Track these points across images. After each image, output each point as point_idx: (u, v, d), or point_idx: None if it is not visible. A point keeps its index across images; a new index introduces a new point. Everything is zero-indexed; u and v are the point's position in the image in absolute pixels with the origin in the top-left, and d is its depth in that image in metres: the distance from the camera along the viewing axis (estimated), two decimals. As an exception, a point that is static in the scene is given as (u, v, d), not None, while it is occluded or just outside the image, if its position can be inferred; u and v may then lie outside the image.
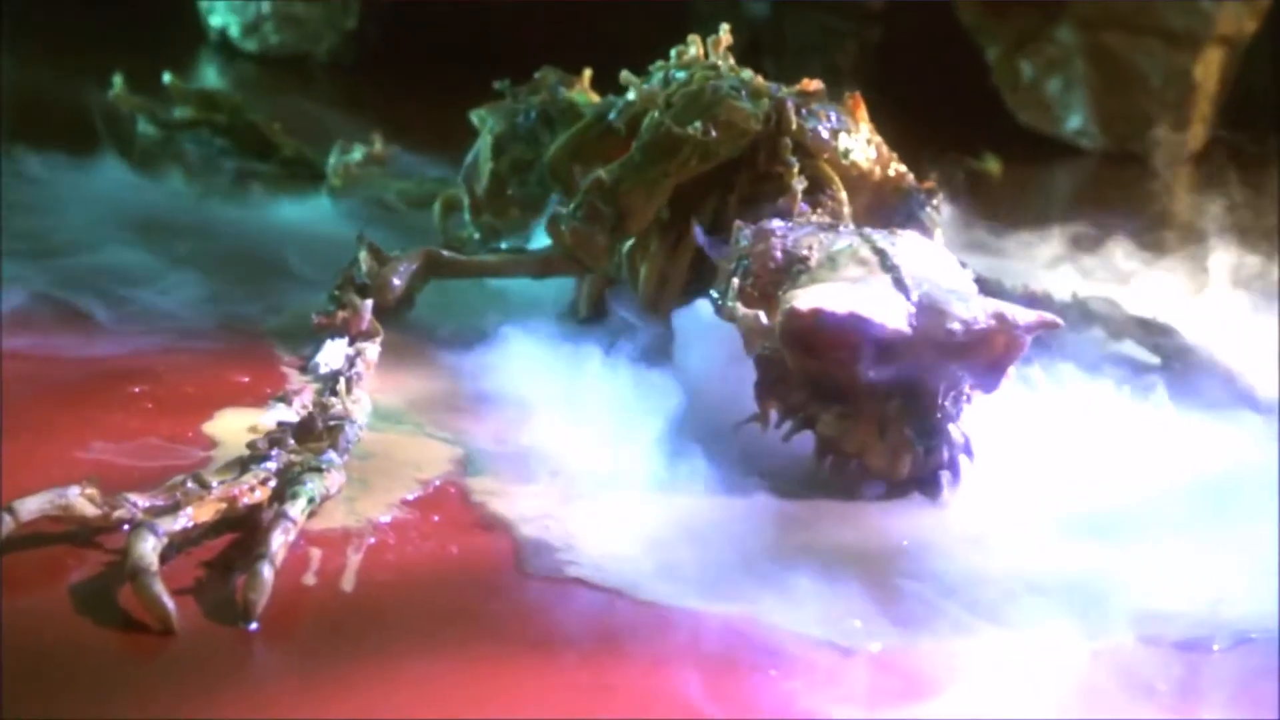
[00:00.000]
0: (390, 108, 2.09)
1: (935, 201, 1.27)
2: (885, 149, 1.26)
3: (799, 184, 1.16)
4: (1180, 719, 0.77)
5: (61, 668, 0.73)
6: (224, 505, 0.85)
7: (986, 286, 1.14)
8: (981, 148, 2.15)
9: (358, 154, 1.62)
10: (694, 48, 1.32)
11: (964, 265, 1.07)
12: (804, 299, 0.96)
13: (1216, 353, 1.25)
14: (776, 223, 1.08)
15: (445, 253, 1.25)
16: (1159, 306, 1.34)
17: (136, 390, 1.07)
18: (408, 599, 0.83)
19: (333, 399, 1.01)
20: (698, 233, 1.15)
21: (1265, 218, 1.80)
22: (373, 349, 1.12)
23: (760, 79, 1.25)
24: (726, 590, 0.85)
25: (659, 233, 1.21)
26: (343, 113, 2.08)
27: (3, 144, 1.65)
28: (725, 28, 1.33)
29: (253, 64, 2.53)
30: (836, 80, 1.27)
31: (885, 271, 1.00)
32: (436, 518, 0.92)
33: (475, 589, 0.84)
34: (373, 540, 0.88)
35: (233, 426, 1.01)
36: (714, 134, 1.19)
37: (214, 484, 0.86)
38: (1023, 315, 0.98)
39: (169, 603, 0.76)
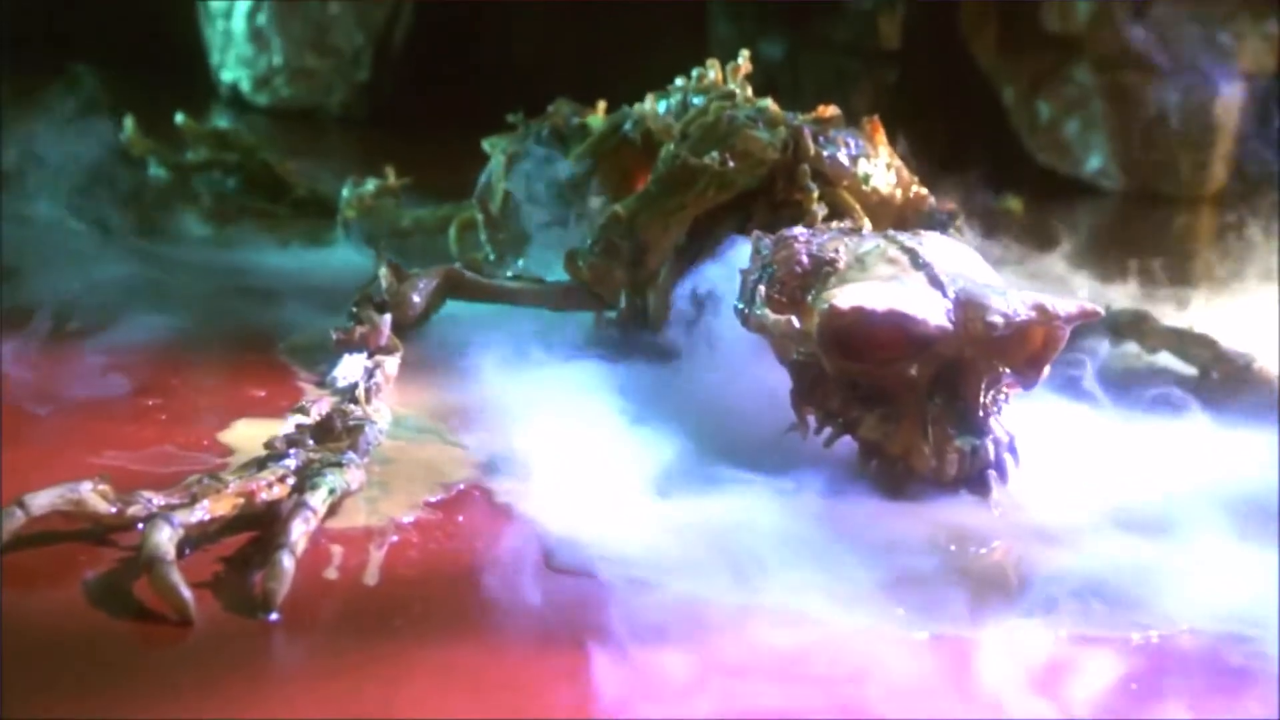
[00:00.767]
0: (403, 158, 2.07)
1: (958, 222, 1.25)
2: (905, 172, 1.24)
3: (819, 209, 1.14)
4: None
5: (78, 660, 0.71)
6: (241, 500, 0.82)
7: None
8: (1001, 189, 2.14)
9: (370, 186, 1.61)
10: (713, 72, 1.31)
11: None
12: (843, 297, 0.93)
13: (1255, 362, 1.22)
14: (798, 230, 1.06)
15: (466, 273, 1.22)
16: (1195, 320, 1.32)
17: (150, 403, 1.05)
18: (431, 593, 0.80)
19: (352, 405, 0.98)
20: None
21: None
22: (392, 363, 1.10)
23: (776, 107, 1.23)
24: (759, 583, 0.82)
25: (671, 262, 1.19)
26: (355, 164, 2.07)
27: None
28: (745, 54, 1.31)
29: (265, 118, 2.52)
30: (853, 123, 1.25)
31: (918, 269, 0.97)
32: (460, 518, 0.89)
33: (502, 584, 0.81)
34: (395, 538, 0.86)
35: (249, 435, 0.99)
36: (731, 164, 1.17)
37: (231, 481, 0.83)
38: (1063, 306, 0.95)
39: (186, 592, 0.73)
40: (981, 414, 0.95)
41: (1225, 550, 0.90)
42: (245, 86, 2.56)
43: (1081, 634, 0.80)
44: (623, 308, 1.21)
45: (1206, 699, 0.75)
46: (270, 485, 0.84)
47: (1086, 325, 1.17)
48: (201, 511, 0.80)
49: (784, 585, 0.81)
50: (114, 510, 0.80)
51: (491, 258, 1.34)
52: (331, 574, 0.81)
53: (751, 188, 1.19)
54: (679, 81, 1.33)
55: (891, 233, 1.03)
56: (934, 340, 0.93)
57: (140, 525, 0.79)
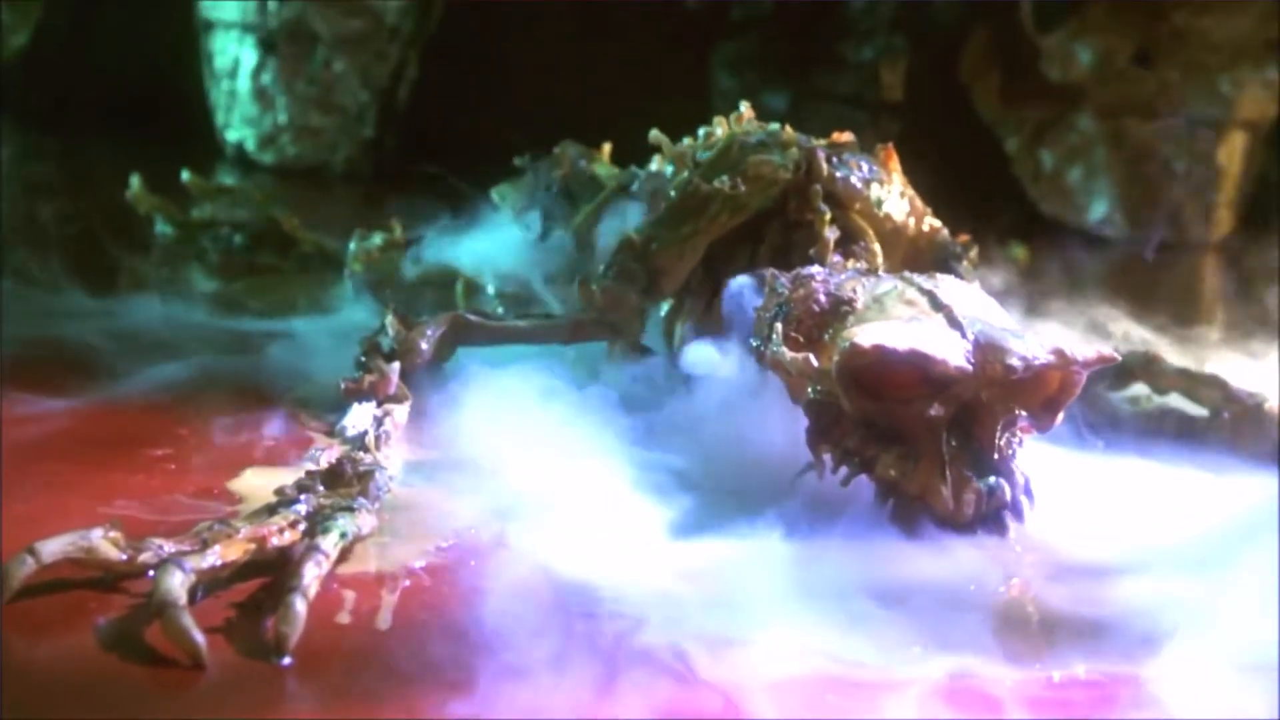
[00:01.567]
0: (408, 214, 2.07)
1: (972, 254, 1.25)
2: (919, 202, 1.24)
3: (831, 233, 1.14)
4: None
5: (90, 706, 0.70)
6: (253, 545, 0.82)
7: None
8: (1006, 239, 2.14)
9: (377, 239, 1.61)
10: (719, 129, 1.31)
11: None
12: (864, 336, 0.93)
13: (1266, 402, 1.21)
14: (815, 269, 1.06)
15: (473, 317, 1.22)
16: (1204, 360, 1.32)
17: (159, 453, 1.05)
18: (445, 637, 0.79)
19: (362, 453, 0.98)
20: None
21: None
22: (401, 411, 1.09)
23: (789, 130, 1.23)
24: (774, 624, 0.81)
25: (694, 292, 1.19)
26: (361, 220, 2.07)
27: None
28: (745, 105, 1.31)
29: (270, 176, 2.53)
30: (866, 149, 1.25)
31: (936, 311, 0.97)
32: (472, 562, 0.89)
33: (515, 627, 0.80)
34: (407, 583, 0.85)
35: (258, 484, 0.98)
36: (743, 187, 1.17)
37: (242, 526, 0.83)
38: (1081, 350, 0.96)
39: (198, 636, 0.73)
40: (997, 456, 0.95)
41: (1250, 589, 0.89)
42: (250, 145, 2.57)
43: (1101, 672, 0.79)
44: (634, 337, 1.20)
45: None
46: (282, 530, 0.84)
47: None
48: (213, 557, 0.80)
49: (799, 626, 0.81)
50: (125, 557, 0.80)
51: (500, 311, 1.34)
52: (344, 619, 0.80)
53: (765, 208, 1.19)
54: (686, 141, 1.33)
55: (908, 275, 1.04)
56: (953, 381, 0.93)
57: (151, 572, 0.79)
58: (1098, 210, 2.38)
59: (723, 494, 0.99)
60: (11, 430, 1.07)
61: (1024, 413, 0.97)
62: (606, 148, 1.43)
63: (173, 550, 0.80)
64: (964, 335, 0.94)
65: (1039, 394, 0.96)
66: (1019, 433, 0.97)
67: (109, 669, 0.73)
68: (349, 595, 0.83)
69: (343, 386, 1.12)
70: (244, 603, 0.80)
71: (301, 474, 0.94)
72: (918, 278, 1.02)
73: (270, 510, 0.86)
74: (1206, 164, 2.34)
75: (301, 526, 0.85)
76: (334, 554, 0.82)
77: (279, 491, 0.89)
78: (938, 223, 1.23)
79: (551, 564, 0.88)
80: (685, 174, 1.22)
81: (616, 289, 1.19)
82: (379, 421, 1.05)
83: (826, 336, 0.98)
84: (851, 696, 0.75)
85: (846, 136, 1.22)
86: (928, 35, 2.49)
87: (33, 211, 2.05)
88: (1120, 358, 0.99)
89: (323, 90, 2.55)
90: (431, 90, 2.62)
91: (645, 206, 1.27)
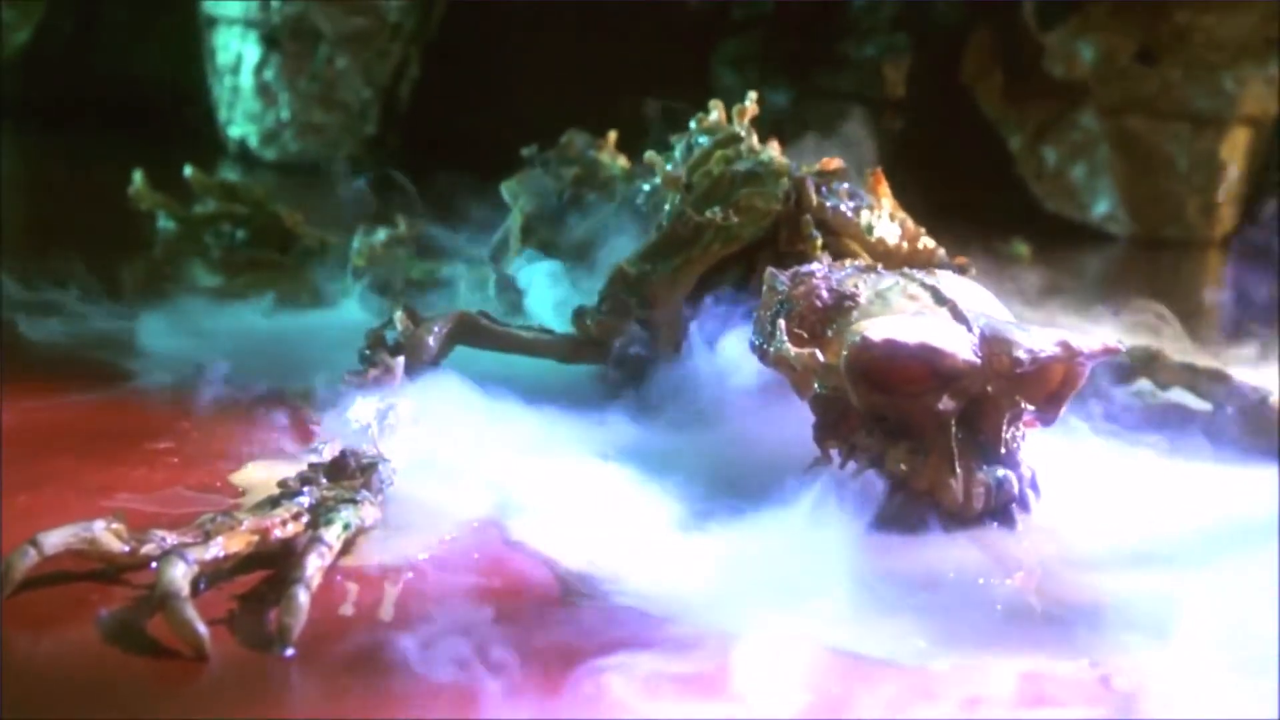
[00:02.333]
0: (410, 209, 2.07)
1: (970, 274, 1.25)
2: (911, 223, 1.23)
3: (824, 258, 1.14)
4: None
5: (93, 698, 0.70)
6: (255, 537, 0.82)
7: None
8: (1008, 235, 2.14)
9: (382, 235, 1.61)
10: (715, 113, 1.30)
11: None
12: (874, 330, 0.93)
13: (1271, 396, 1.21)
14: (815, 265, 1.06)
15: (480, 319, 1.22)
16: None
17: (162, 447, 1.05)
18: (448, 630, 0.79)
19: (365, 445, 0.98)
20: None
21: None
22: (405, 405, 1.09)
23: (780, 158, 1.23)
24: (781, 616, 0.81)
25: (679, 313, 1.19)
26: (362, 216, 2.07)
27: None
28: (752, 96, 1.31)
29: (273, 172, 2.53)
30: (858, 170, 1.25)
31: (940, 305, 0.97)
32: (476, 555, 0.89)
33: (519, 619, 0.80)
34: (410, 575, 0.85)
35: (261, 476, 0.98)
36: (734, 218, 1.17)
37: (245, 518, 0.83)
38: (1086, 343, 0.96)
39: (201, 627, 0.73)
40: (1003, 450, 0.95)
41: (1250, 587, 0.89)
42: (253, 142, 2.57)
43: (1105, 664, 0.79)
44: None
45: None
46: (284, 522, 0.84)
47: (1101, 363, 1.19)
48: (216, 548, 0.79)
49: (807, 618, 0.81)
50: (127, 549, 0.80)
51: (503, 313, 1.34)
52: (347, 610, 0.80)
53: (756, 238, 1.19)
54: (677, 152, 1.32)
55: (908, 270, 1.03)
56: (961, 374, 0.93)
57: (154, 564, 0.79)
58: (1101, 207, 2.38)
59: (728, 489, 0.98)
60: (14, 423, 1.07)
61: (1029, 406, 0.96)
62: (612, 136, 1.43)
63: (175, 542, 0.80)
64: (970, 329, 0.94)
65: (1044, 387, 0.96)
66: (1024, 426, 0.97)
67: (112, 661, 0.73)
68: (352, 587, 0.83)
69: (347, 379, 1.12)
70: (247, 594, 0.80)
71: (304, 466, 0.93)
72: (918, 273, 1.02)
73: (273, 502, 0.86)
74: (1209, 161, 2.34)
75: (304, 519, 0.85)
76: (337, 546, 0.82)
77: (282, 484, 0.89)
78: (933, 243, 1.23)
79: (554, 557, 0.88)
80: (677, 198, 1.21)
81: (610, 321, 1.19)
82: (382, 414, 1.05)
83: (830, 332, 0.98)
84: (856, 688, 0.75)
85: (835, 164, 1.22)
86: (930, 33, 2.50)
87: (34, 207, 2.06)
88: (1124, 349, 0.99)
89: (325, 87, 2.55)
90: (433, 88, 2.62)
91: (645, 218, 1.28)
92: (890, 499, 0.94)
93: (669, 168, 1.26)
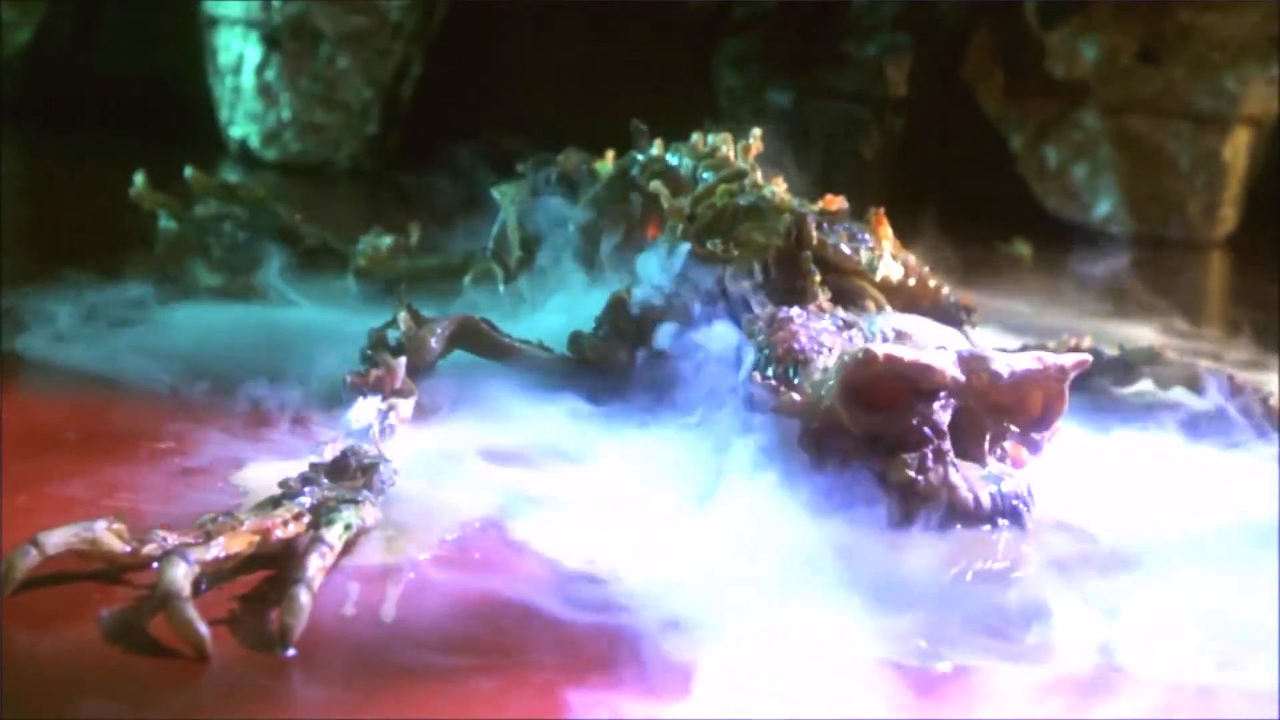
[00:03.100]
0: (411, 209, 2.07)
1: (974, 318, 1.26)
2: (914, 261, 1.24)
3: (824, 293, 1.14)
4: None
5: (94, 698, 0.70)
6: (257, 538, 0.82)
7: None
8: (1010, 235, 2.14)
9: (387, 241, 1.61)
10: (724, 147, 1.30)
11: None
12: (875, 347, 0.94)
13: (1272, 395, 1.21)
14: (794, 311, 1.07)
15: (483, 324, 1.21)
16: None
17: (163, 447, 1.05)
18: (450, 630, 0.79)
19: (366, 445, 0.98)
20: None
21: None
22: (406, 406, 1.09)
23: (783, 194, 1.24)
24: (781, 616, 0.81)
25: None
26: (364, 216, 2.07)
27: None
28: (756, 133, 1.31)
29: (274, 172, 2.53)
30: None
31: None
32: (477, 555, 0.89)
33: (520, 620, 0.80)
34: (412, 576, 0.85)
35: (262, 477, 0.98)
36: (734, 252, 1.18)
37: (246, 519, 0.83)
38: (1061, 359, 0.97)
39: (202, 628, 0.73)
40: (989, 464, 0.97)
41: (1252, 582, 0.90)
42: (254, 142, 2.57)
43: (1110, 667, 0.79)
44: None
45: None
46: (286, 523, 0.84)
47: (1099, 364, 1.20)
48: (217, 549, 0.80)
49: (807, 618, 0.81)
50: (128, 549, 0.80)
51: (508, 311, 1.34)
52: (348, 611, 0.80)
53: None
54: (695, 137, 1.32)
55: (880, 316, 1.07)
56: (949, 390, 0.94)
57: (155, 564, 0.79)
58: (1102, 207, 2.38)
59: (728, 488, 0.98)
60: (14, 423, 1.07)
61: (1014, 428, 0.98)
62: (610, 155, 1.43)
63: (177, 542, 0.80)
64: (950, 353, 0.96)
65: (1025, 408, 0.98)
66: (1011, 452, 0.99)
67: (113, 661, 0.73)
68: (353, 587, 0.82)
69: (348, 380, 1.12)
70: (248, 595, 0.80)
71: (306, 467, 0.93)
72: (891, 316, 1.07)
73: (274, 503, 0.86)
74: (1211, 161, 2.34)
75: (306, 519, 0.85)
76: (338, 546, 0.82)
77: (283, 484, 0.89)
78: (936, 282, 1.24)
79: (557, 556, 0.88)
80: (679, 228, 1.22)
81: (606, 347, 1.19)
82: (384, 415, 1.05)
83: (806, 381, 0.99)
84: (856, 688, 0.75)
85: (838, 204, 1.22)
86: (931, 32, 2.50)
87: (35, 207, 2.06)
88: (1090, 360, 1.00)
89: (326, 87, 2.55)
90: (435, 88, 2.62)
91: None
92: (896, 502, 0.94)
93: (671, 164, 1.26)
